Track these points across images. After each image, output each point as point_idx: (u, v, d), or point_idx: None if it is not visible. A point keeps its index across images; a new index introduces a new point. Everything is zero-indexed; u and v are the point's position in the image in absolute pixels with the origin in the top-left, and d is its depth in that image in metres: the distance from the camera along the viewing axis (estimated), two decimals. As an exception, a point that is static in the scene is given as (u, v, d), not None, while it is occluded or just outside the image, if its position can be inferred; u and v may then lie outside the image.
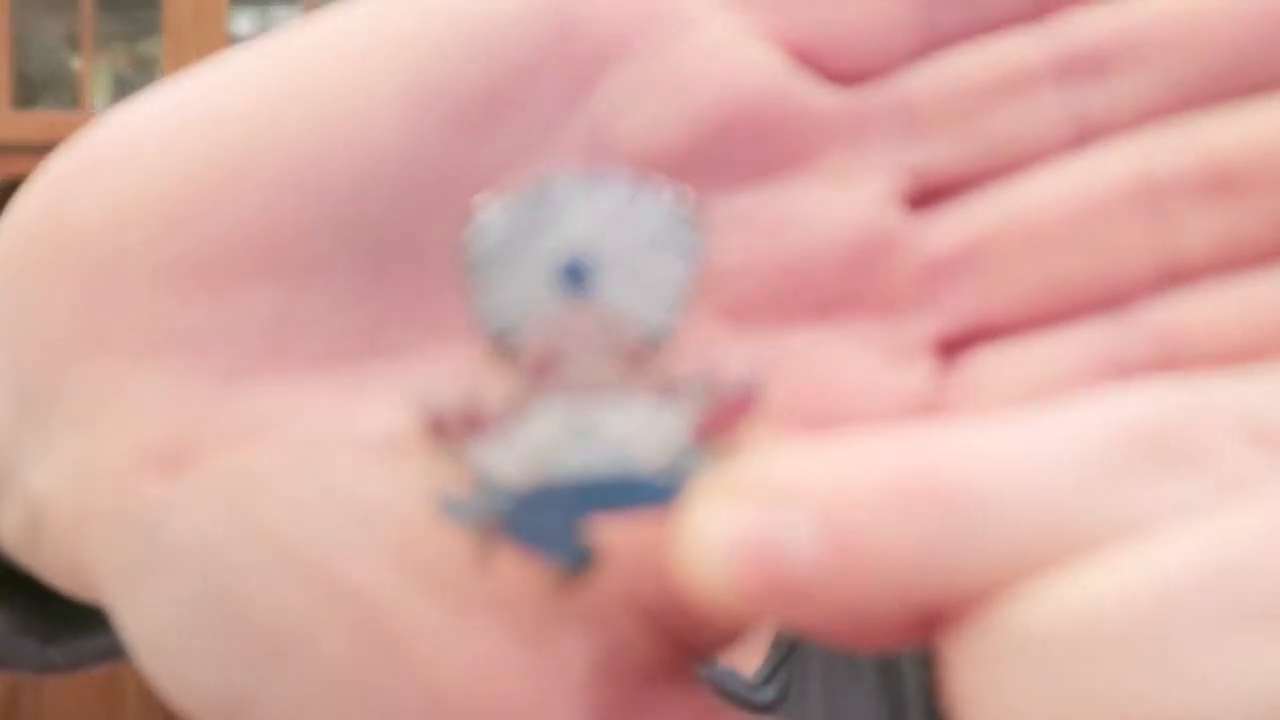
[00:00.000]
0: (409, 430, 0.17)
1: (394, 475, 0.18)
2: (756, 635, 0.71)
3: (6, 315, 0.19)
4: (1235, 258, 0.19)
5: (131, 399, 0.18)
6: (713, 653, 0.19)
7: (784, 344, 0.19)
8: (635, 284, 0.16)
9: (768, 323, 0.19)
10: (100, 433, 0.18)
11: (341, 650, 0.17)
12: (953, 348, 0.20)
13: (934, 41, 0.19)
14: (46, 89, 1.39)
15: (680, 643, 0.19)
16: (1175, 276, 0.19)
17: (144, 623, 0.18)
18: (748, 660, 0.72)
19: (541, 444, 0.16)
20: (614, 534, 0.17)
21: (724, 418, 0.16)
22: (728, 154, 0.18)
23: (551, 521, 0.16)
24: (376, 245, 0.18)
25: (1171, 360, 0.19)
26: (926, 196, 0.20)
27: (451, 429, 0.16)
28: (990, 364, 0.19)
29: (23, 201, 0.19)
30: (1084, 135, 0.19)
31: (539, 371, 0.16)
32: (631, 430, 0.16)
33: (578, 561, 0.17)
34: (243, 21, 1.28)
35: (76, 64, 1.42)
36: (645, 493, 0.16)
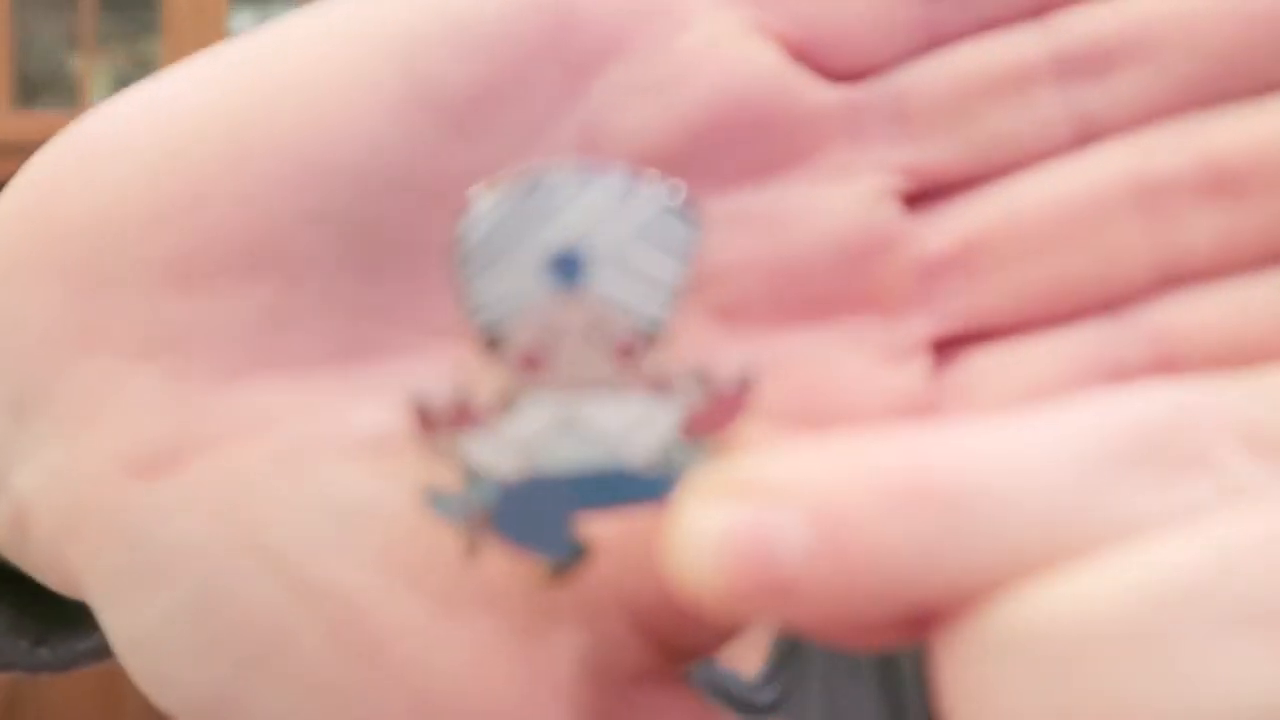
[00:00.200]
0: (397, 430, 0.17)
1: (381, 477, 0.17)
2: (751, 637, 0.71)
3: None
4: (1233, 259, 0.19)
5: (118, 401, 0.18)
6: (701, 655, 0.19)
7: (778, 343, 0.19)
8: (628, 278, 0.16)
9: (762, 322, 0.19)
10: (86, 434, 0.18)
11: (326, 652, 0.17)
12: (948, 348, 0.20)
13: (933, 39, 0.19)
14: (46, 89, 1.39)
15: (668, 644, 0.19)
16: (1172, 278, 0.19)
17: (129, 624, 0.18)
18: (748, 661, 0.72)
19: (531, 438, 0.16)
20: (602, 535, 0.17)
21: (716, 413, 0.16)
22: (723, 151, 0.18)
23: (541, 515, 0.16)
24: (367, 243, 0.17)
25: (1168, 362, 0.19)
26: (924, 195, 0.19)
27: (441, 422, 0.16)
28: (985, 365, 0.19)
29: (10, 197, 0.19)
30: (1083, 135, 0.19)
31: (529, 365, 0.16)
32: (622, 425, 0.16)
33: (567, 556, 0.17)
34: (242, 21, 1.28)
35: (76, 64, 1.42)
36: (636, 488, 0.16)
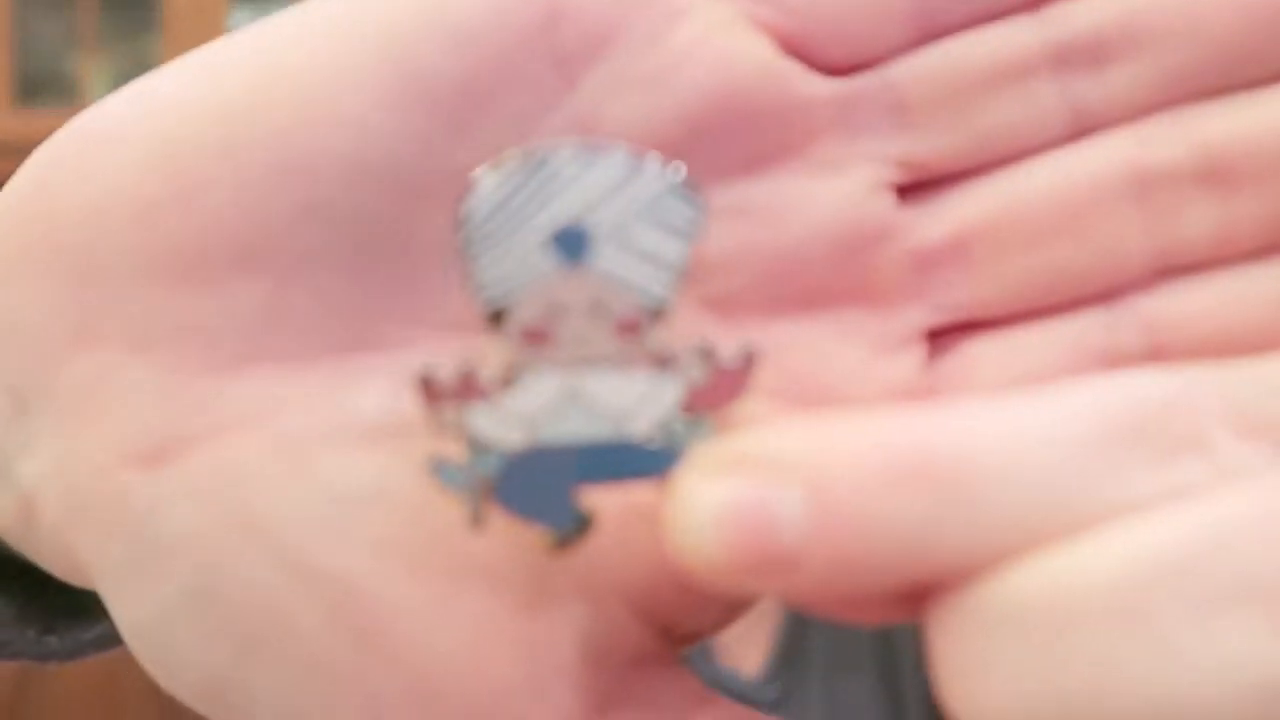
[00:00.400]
0: (393, 418, 0.18)
1: (378, 465, 0.18)
2: (752, 635, 0.71)
3: None
4: (1228, 250, 0.19)
5: (117, 393, 0.18)
6: (700, 638, 0.20)
7: (772, 334, 0.19)
8: (630, 255, 0.16)
9: (756, 312, 0.19)
10: (86, 426, 0.18)
11: (326, 635, 0.17)
12: (942, 338, 0.20)
13: (927, 31, 0.19)
14: (46, 88, 1.39)
15: (668, 627, 0.19)
16: (1167, 268, 0.19)
17: (133, 611, 0.18)
18: (749, 659, 0.72)
19: (535, 411, 0.16)
20: (601, 518, 0.17)
21: (719, 389, 0.16)
22: (716, 144, 0.18)
23: (544, 487, 0.16)
24: (359, 237, 0.18)
25: (1162, 352, 0.19)
26: (918, 187, 0.19)
27: (446, 395, 0.16)
28: (979, 354, 0.19)
29: (7, 192, 0.19)
30: (1078, 126, 0.19)
31: (534, 340, 0.16)
32: (625, 400, 0.16)
33: (569, 528, 0.17)
34: (242, 20, 1.28)
35: (76, 63, 1.42)
36: (638, 462, 0.16)
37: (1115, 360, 0.19)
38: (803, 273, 0.19)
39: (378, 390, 0.18)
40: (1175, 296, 0.19)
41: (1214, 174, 0.19)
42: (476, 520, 0.17)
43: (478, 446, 0.16)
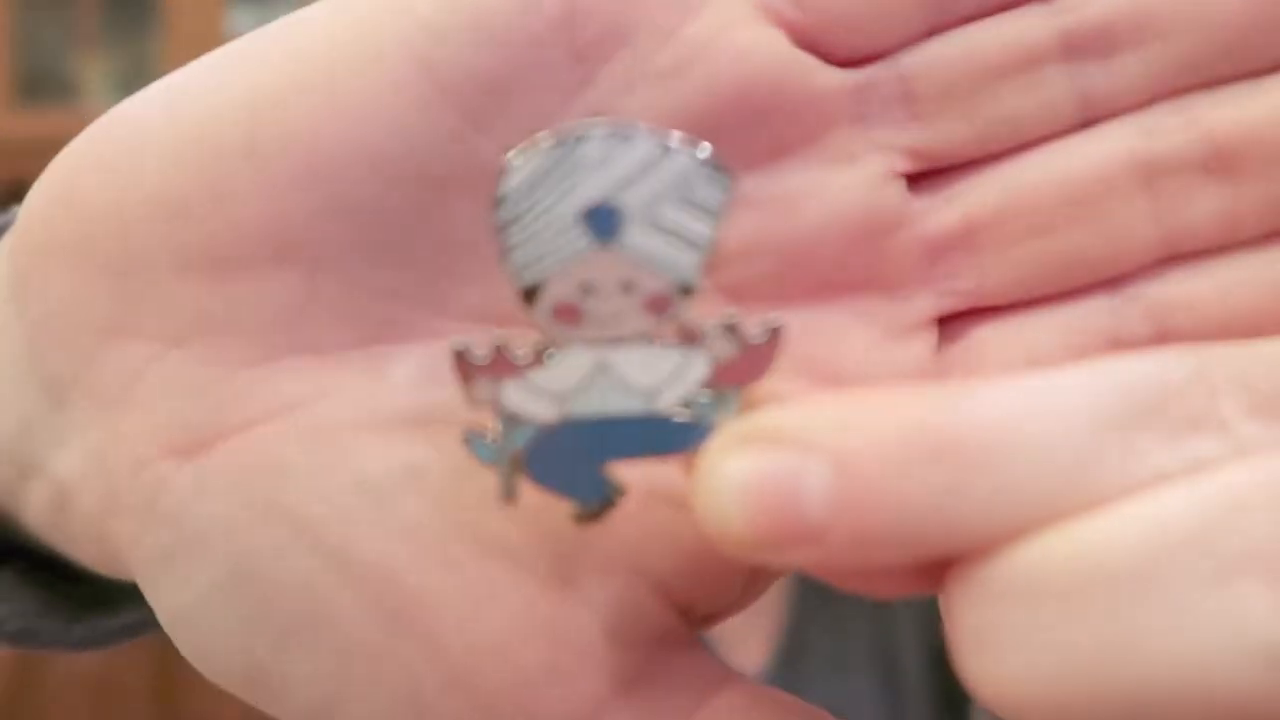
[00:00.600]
0: (423, 408, 0.18)
1: (409, 454, 0.18)
2: (745, 623, 0.71)
3: (27, 305, 0.19)
4: (1233, 236, 0.19)
5: (153, 385, 0.18)
6: (721, 618, 0.20)
7: (786, 322, 0.19)
8: (660, 233, 0.16)
9: (770, 301, 0.19)
10: (123, 417, 0.18)
11: (362, 621, 0.17)
12: (952, 324, 0.20)
13: (938, 22, 0.19)
14: (46, 88, 1.39)
15: (689, 608, 0.19)
16: (1173, 255, 0.19)
17: (172, 599, 0.18)
18: (750, 658, 0.72)
19: (566, 386, 0.17)
20: (624, 500, 0.18)
21: (746, 365, 0.17)
22: (730, 136, 0.18)
23: (574, 461, 0.17)
24: (388, 229, 0.18)
25: (1166, 337, 0.19)
26: (929, 175, 0.20)
27: (480, 370, 0.16)
28: (988, 340, 0.20)
29: (37, 194, 0.19)
30: (1086, 115, 0.19)
31: (565, 317, 0.16)
32: (653, 375, 0.17)
33: (598, 500, 0.17)
34: (242, 21, 1.28)
35: (76, 63, 1.42)
36: (666, 436, 0.17)
37: (1122, 345, 0.19)
38: (816, 261, 0.19)
39: (407, 380, 0.18)
40: (1181, 282, 0.19)
41: (1220, 162, 0.19)
42: (508, 493, 0.17)
43: (510, 421, 0.17)
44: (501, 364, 0.16)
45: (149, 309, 0.18)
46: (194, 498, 0.18)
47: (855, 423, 0.14)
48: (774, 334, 0.17)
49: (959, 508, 0.14)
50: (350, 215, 0.18)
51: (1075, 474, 0.14)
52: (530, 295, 0.16)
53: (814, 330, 0.19)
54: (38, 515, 0.20)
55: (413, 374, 0.18)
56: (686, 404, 0.17)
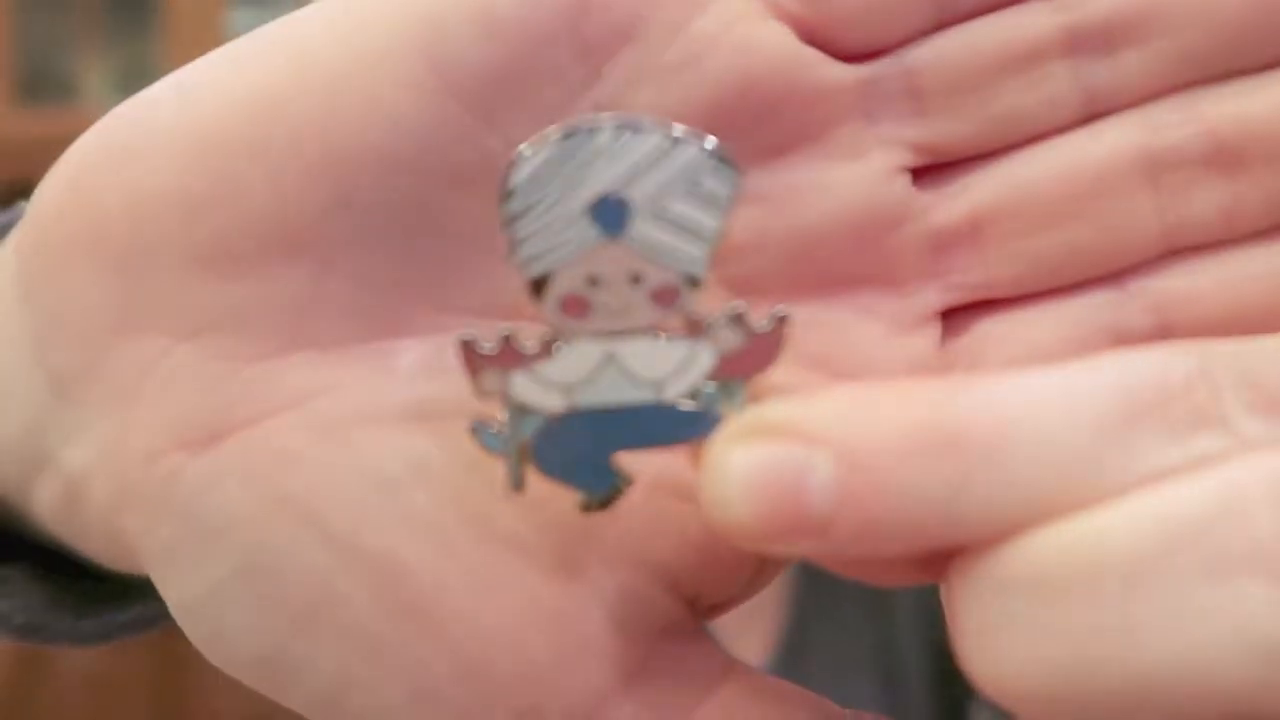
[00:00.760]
0: (431, 400, 0.18)
1: (416, 446, 0.18)
2: (745, 622, 0.71)
3: (37, 299, 0.19)
4: (1234, 231, 0.19)
5: (164, 379, 0.18)
6: (724, 608, 0.20)
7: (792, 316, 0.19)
8: (667, 226, 0.16)
9: (776, 294, 0.19)
10: (135, 411, 0.18)
11: (373, 611, 0.18)
12: (956, 317, 0.20)
13: (943, 17, 0.19)
14: (46, 87, 1.39)
15: (693, 598, 0.19)
16: (1175, 249, 0.19)
17: (184, 591, 0.19)
18: (749, 657, 0.72)
19: (573, 376, 0.17)
20: (630, 490, 0.18)
21: (752, 355, 0.17)
22: (737, 131, 0.18)
23: (581, 451, 0.17)
24: (395, 224, 0.18)
25: (1169, 330, 0.19)
26: (933, 169, 0.20)
27: (488, 361, 0.16)
28: (992, 333, 0.20)
29: (46, 190, 0.19)
30: (1090, 109, 0.19)
31: (573, 308, 0.16)
32: (660, 366, 0.17)
33: (604, 490, 0.18)
34: (242, 21, 1.28)
35: (76, 63, 1.42)
36: (673, 427, 0.17)
37: (1125, 338, 0.19)
38: (822, 255, 0.19)
39: (414, 373, 0.18)
40: (1183, 276, 0.20)
41: (1222, 156, 0.19)
42: (516, 483, 0.17)
43: (517, 411, 0.17)
44: (509, 355, 0.16)
45: (159, 304, 0.18)
46: (205, 490, 0.18)
47: (860, 416, 0.15)
48: (780, 324, 0.17)
49: (962, 502, 0.14)
50: (358, 210, 0.18)
51: (1078, 469, 0.14)
52: (538, 287, 0.16)
53: (819, 324, 0.19)
54: (48, 510, 0.20)
55: (420, 367, 0.18)
56: (693, 395, 0.17)
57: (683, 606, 0.19)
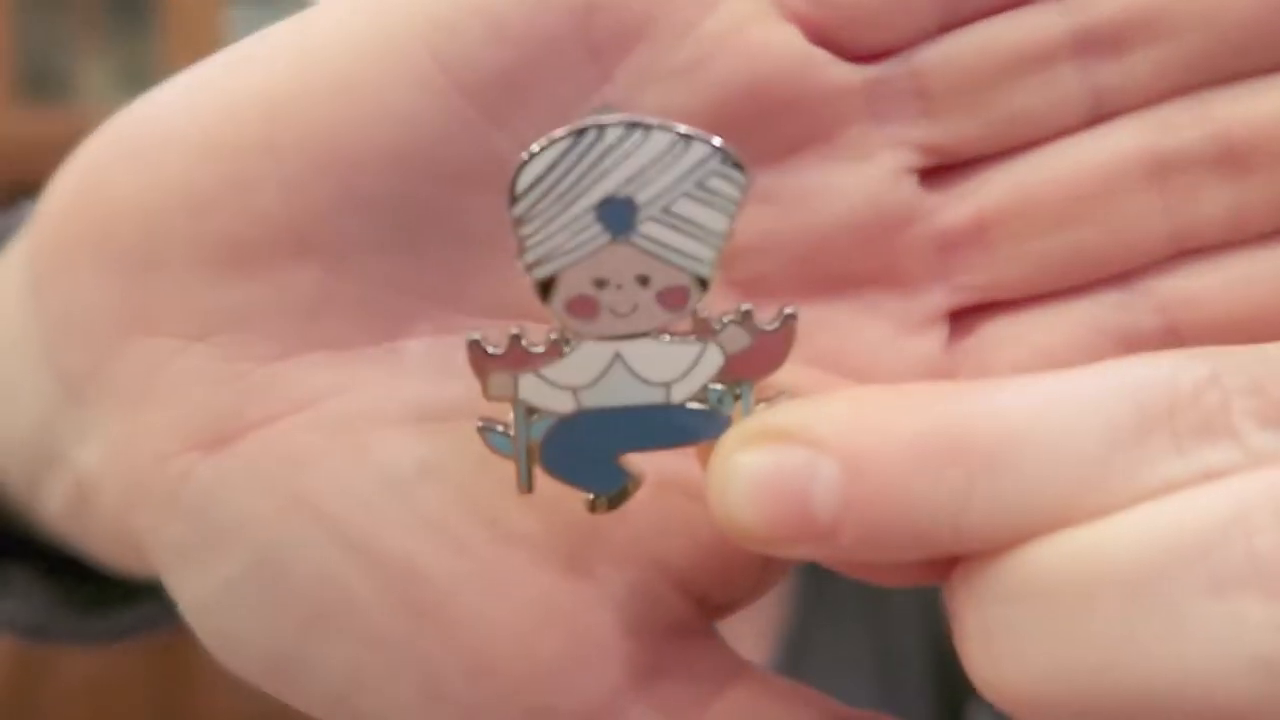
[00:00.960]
0: (441, 401, 0.18)
1: (426, 446, 0.18)
2: (756, 631, 0.71)
3: (48, 300, 0.19)
4: (1242, 233, 0.19)
5: (175, 379, 0.18)
6: (734, 608, 0.20)
7: (800, 317, 0.19)
8: (676, 227, 0.16)
9: (784, 295, 0.19)
10: (146, 411, 0.18)
11: (385, 612, 0.18)
12: (963, 318, 0.20)
13: (952, 18, 0.19)
14: (46, 86, 1.39)
15: (703, 597, 0.19)
16: (1182, 250, 0.19)
17: (195, 591, 0.19)
18: (751, 658, 0.72)
19: (581, 377, 0.17)
20: (637, 496, 0.18)
21: (760, 356, 0.17)
22: (746, 132, 0.18)
23: (589, 451, 0.17)
24: (404, 224, 0.18)
25: (1175, 332, 0.19)
26: (942, 171, 0.20)
27: (497, 362, 0.17)
28: (999, 334, 0.20)
29: (58, 186, 0.19)
30: (1098, 111, 0.19)
31: (580, 309, 0.16)
32: (668, 367, 0.17)
33: (612, 491, 0.18)
34: (241, 20, 1.28)
35: (76, 62, 1.42)
36: (680, 427, 0.17)
37: (1131, 340, 0.19)
38: (829, 256, 0.19)
39: (424, 373, 0.18)
40: (1191, 278, 0.19)
41: (1230, 158, 0.19)
42: (525, 483, 0.17)
43: (526, 412, 0.17)
44: (517, 356, 0.16)
45: (170, 304, 0.18)
46: (216, 491, 0.18)
47: (867, 423, 0.15)
48: (787, 324, 0.17)
49: (967, 511, 0.14)
50: (368, 210, 0.18)
51: (1085, 479, 0.14)
52: (546, 289, 0.16)
53: (827, 325, 0.19)
54: (56, 510, 0.20)
55: (430, 367, 0.18)
56: (701, 396, 0.17)
57: (692, 606, 0.19)
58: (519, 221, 0.16)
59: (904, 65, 0.19)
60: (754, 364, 0.17)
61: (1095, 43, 0.19)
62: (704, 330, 0.17)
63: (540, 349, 0.17)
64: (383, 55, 0.18)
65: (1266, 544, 0.13)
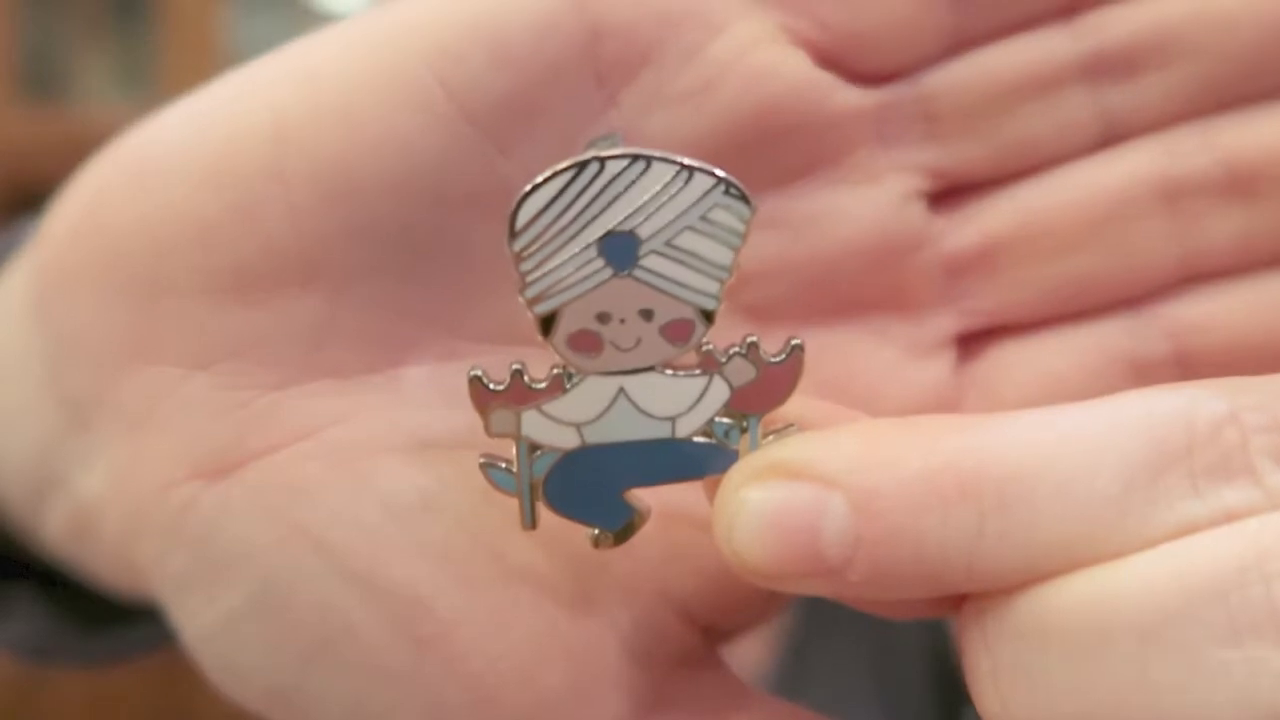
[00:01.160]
0: (444, 430, 0.18)
1: (429, 477, 0.18)
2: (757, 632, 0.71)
3: (51, 325, 0.19)
4: (1250, 258, 0.19)
5: (178, 407, 0.18)
6: (739, 635, 0.20)
7: (807, 341, 0.19)
8: (679, 259, 0.16)
9: (792, 320, 0.19)
10: (149, 440, 0.18)
11: (388, 642, 0.17)
12: (971, 343, 0.20)
13: (960, 42, 0.19)
14: (46, 85, 1.39)
15: (708, 626, 0.19)
16: (1191, 275, 0.19)
17: (198, 621, 0.19)
18: (750, 668, 0.72)
19: (585, 414, 0.16)
20: (643, 527, 0.18)
21: (766, 388, 0.17)
22: (753, 157, 0.18)
23: (593, 487, 0.17)
24: (409, 252, 0.18)
25: (1184, 357, 0.19)
26: (949, 195, 0.19)
27: (499, 397, 0.16)
28: (1007, 359, 0.20)
29: (60, 212, 0.19)
30: (1108, 135, 0.19)
31: (582, 345, 0.16)
32: (673, 401, 0.16)
33: (617, 526, 0.17)
34: (242, 19, 1.28)
35: (76, 61, 1.42)
36: (685, 461, 0.17)
37: (1141, 365, 0.19)
38: (837, 281, 0.19)
39: (427, 402, 0.18)
40: (1200, 303, 0.19)
41: (1239, 183, 0.19)
42: (529, 520, 0.17)
43: (529, 448, 0.17)
44: (519, 392, 0.16)
45: (173, 332, 0.18)
46: (219, 519, 0.18)
47: (877, 459, 0.14)
48: (793, 356, 0.16)
49: (979, 550, 0.14)
50: (373, 236, 0.18)
51: (1100, 519, 0.14)
52: (547, 324, 0.16)
53: (834, 350, 0.19)
54: (57, 534, 0.20)
55: (432, 395, 0.18)
56: (707, 430, 0.17)
57: (697, 635, 0.19)
58: (520, 256, 0.16)
59: (912, 89, 0.19)
60: (760, 397, 0.17)
61: (1104, 67, 0.19)
62: (709, 363, 0.16)
63: (543, 385, 0.16)
64: (388, 81, 0.17)
65: (1279, 593, 0.13)
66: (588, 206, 0.15)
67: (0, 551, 0.24)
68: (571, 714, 0.18)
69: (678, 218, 0.16)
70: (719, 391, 0.16)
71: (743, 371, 0.16)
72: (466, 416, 0.17)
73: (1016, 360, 0.20)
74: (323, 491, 0.18)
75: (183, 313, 0.18)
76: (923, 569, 0.14)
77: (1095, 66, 0.19)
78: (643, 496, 0.17)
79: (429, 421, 0.18)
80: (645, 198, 0.16)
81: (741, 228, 0.16)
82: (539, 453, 0.17)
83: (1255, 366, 0.19)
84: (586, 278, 0.16)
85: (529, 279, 0.16)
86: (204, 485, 0.18)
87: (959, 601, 0.15)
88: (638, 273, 0.16)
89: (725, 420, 0.17)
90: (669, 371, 0.16)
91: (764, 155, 0.18)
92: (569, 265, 0.16)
